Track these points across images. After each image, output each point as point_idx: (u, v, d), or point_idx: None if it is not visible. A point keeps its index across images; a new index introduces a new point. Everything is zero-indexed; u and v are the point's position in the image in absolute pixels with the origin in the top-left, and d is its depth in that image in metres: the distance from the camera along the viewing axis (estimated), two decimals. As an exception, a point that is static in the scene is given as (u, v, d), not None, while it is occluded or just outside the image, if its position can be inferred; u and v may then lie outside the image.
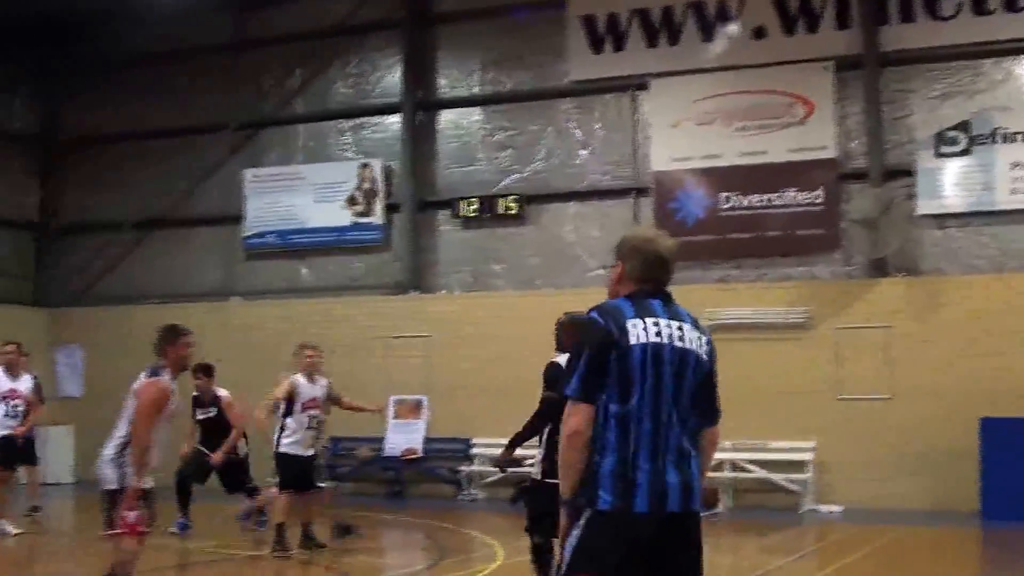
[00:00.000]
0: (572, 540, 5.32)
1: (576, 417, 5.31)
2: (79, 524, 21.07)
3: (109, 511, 9.92)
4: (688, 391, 5.43)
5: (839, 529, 18.73)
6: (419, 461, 24.55)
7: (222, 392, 17.48)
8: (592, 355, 5.32)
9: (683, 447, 5.40)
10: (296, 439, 15.12)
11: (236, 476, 17.39)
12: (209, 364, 17.49)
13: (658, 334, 5.38)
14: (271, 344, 25.45)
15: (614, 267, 5.71)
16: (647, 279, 5.59)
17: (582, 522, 5.30)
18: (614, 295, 5.63)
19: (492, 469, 22.79)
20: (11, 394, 17.46)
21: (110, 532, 9.96)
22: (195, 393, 17.31)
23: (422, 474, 24.85)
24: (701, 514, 5.50)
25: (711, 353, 5.57)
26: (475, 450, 24.11)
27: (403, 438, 24.66)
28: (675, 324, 5.47)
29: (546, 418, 10.07)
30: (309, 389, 15.29)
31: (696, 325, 5.58)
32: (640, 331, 5.35)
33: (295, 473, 15.02)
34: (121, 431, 10.08)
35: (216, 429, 17.19)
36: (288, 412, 15.13)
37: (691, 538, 5.42)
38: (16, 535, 16.52)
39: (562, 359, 10.14)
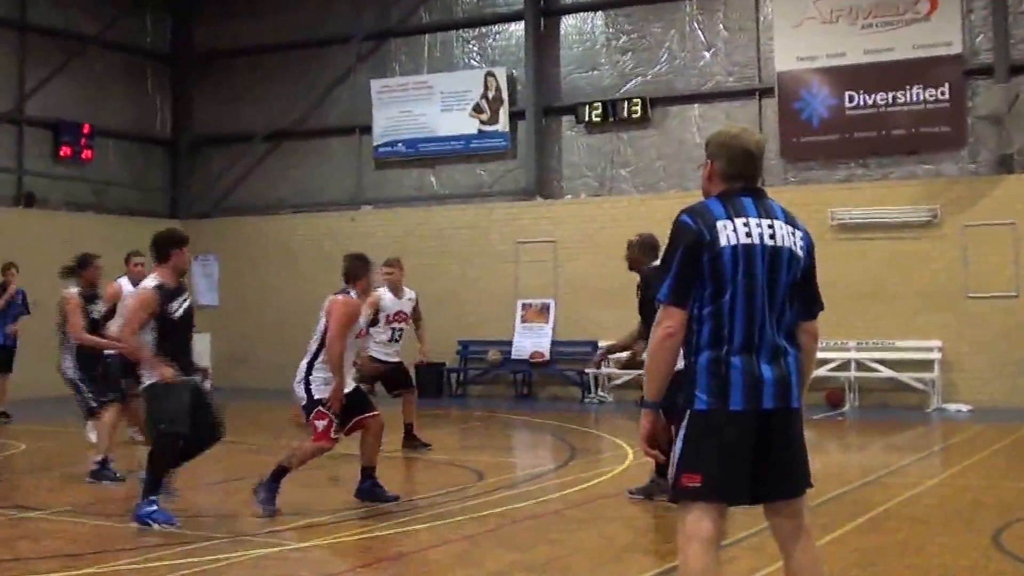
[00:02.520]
0: (679, 441, 5.36)
1: (668, 321, 5.32)
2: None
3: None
4: (783, 288, 5.39)
5: (967, 428, 18.75)
6: (546, 364, 24.98)
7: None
8: (683, 258, 5.32)
9: (778, 344, 5.38)
10: (380, 347, 15.73)
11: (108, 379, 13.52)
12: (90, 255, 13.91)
13: (748, 234, 5.33)
14: (402, 251, 25.94)
15: (705, 166, 5.66)
16: (736, 176, 5.52)
17: (684, 424, 5.34)
18: (707, 194, 5.58)
19: (620, 371, 23.19)
20: None
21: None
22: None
23: (550, 377, 25.33)
24: (802, 410, 5.49)
25: (808, 248, 5.54)
26: (602, 353, 24.41)
27: (530, 342, 25.14)
28: (766, 222, 5.41)
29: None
30: (394, 303, 15.85)
31: (791, 221, 5.52)
32: (730, 232, 5.32)
33: (379, 377, 15.73)
34: (312, 349, 11.13)
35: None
36: (374, 323, 15.59)
37: (792, 434, 5.41)
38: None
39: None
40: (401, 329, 15.92)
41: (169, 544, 9.33)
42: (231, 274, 28.94)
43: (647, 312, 11.06)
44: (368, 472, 11.58)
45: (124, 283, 14.46)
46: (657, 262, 11.10)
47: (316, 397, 10.94)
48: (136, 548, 9.26)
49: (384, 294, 15.76)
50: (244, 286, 28.70)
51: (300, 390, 11.09)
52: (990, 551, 8.98)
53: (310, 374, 11.04)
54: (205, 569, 8.45)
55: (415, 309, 16.15)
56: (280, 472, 10.91)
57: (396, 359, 15.98)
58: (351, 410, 11.17)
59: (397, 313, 15.85)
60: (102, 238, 25.45)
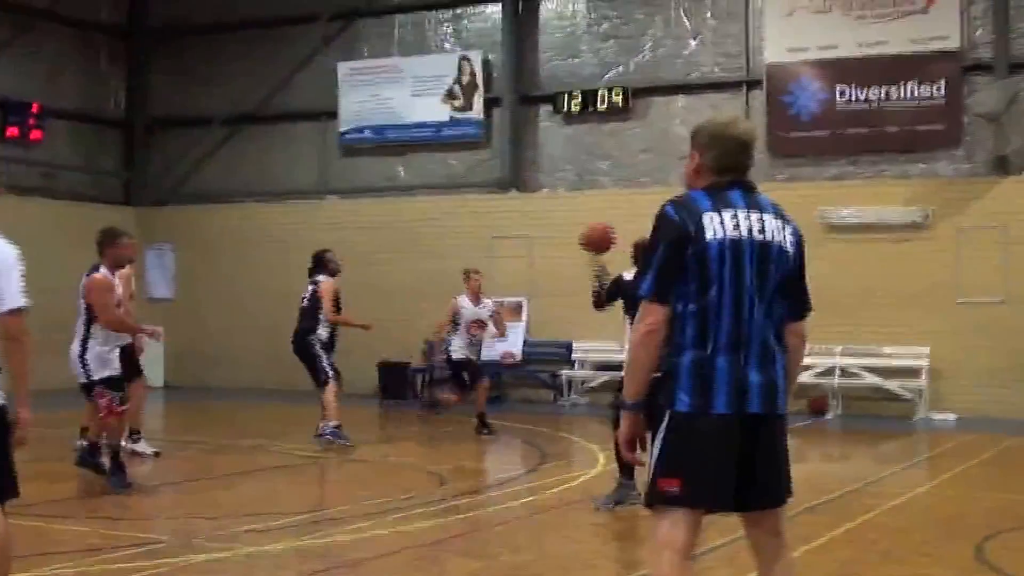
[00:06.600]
0: (657, 443, 5.31)
1: (650, 317, 5.29)
2: (182, 427, 21.75)
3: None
4: (772, 285, 5.36)
5: (953, 437, 18.97)
6: (518, 365, 25.02)
7: None
8: (666, 252, 5.31)
9: (767, 345, 5.35)
10: (458, 346, 18.43)
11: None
12: None
13: (736, 227, 5.31)
14: (369, 244, 26.00)
15: (690, 157, 5.62)
16: (728, 168, 5.47)
17: (664, 425, 5.30)
18: (691, 187, 5.55)
19: (594, 374, 23.27)
20: None
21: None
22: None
23: (521, 378, 25.39)
24: (788, 416, 5.50)
25: (797, 244, 5.51)
26: (576, 354, 24.57)
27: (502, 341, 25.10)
28: (755, 216, 5.38)
29: None
30: (472, 311, 18.42)
31: (780, 215, 5.49)
32: (717, 225, 5.29)
33: (459, 373, 18.52)
34: (80, 330, 12.34)
35: None
36: (454, 328, 18.47)
37: (777, 441, 5.40)
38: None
39: (628, 275, 11.26)
40: (477, 336, 18.57)
41: (116, 547, 9.37)
42: (187, 265, 28.86)
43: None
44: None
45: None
46: None
47: (95, 377, 12.06)
48: (81, 551, 9.30)
49: (462, 302, 18.49)
50: (201, 278, 28.65)
51: (78, 369, 12.18)
52: (973, 563, 9.13)
53: (84, 354, 12.12)
54: (152, 574, 8.50)
55: (492, 317, 18.64)
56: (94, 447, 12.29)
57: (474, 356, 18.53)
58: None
59: (475, 321, 18.46)
60: (51, 224, 25.45)
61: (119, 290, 12.67)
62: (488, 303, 18.72)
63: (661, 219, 5.41)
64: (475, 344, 18.61)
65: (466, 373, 18.51)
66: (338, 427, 16.23)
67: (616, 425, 10.91)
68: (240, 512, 10.86)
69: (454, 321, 18.43)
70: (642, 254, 11.33)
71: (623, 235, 12.04)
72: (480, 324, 18.48)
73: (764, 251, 5.36)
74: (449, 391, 19.08)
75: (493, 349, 25.08)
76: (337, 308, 16.77)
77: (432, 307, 25.78)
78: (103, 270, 12.42)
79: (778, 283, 5.43)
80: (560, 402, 24.45)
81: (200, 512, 11.03)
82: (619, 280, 11.89)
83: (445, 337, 18.83)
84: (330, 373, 16.57)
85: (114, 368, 12.29)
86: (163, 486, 12.50)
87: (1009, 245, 21.43)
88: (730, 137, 5.51)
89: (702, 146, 5.55)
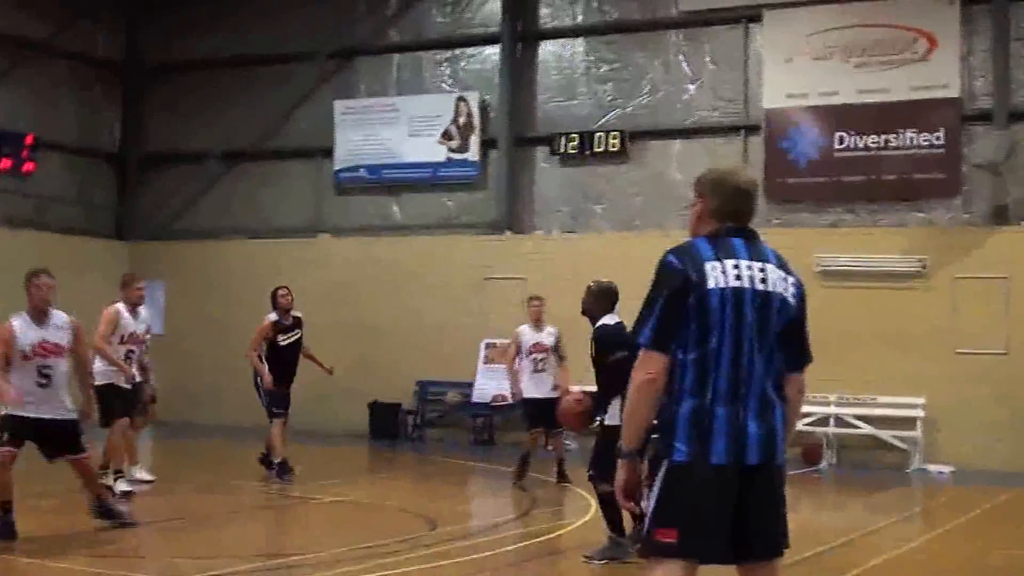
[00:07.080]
0: (653, 494, 5.31)
1: (650, 365, 5.28)
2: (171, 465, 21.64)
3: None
4: (772, 336, 5.38)
5: (948, 490, 18.95)
6: (509, 408, 24.91)
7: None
8: (668, 300, 5.29)
9: (767, 395, 5.36)
10: (528, 383, 17.59)
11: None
12: None
13: (739, 277, 5.32)
14: (361, 283, 25.96)
15: (693, 205, 5.69)
16: (729, 216, 5.52)
17: (660, 475, 5.29)
18: (695, 234, 5.56)
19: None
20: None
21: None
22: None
23: (512, 422, 25.24)
24: (786, 467, 5.50)
25: (799, 296, 5.51)
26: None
27: (493, 384, 25.04)
28: (758, 265, 5.40)
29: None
30: (532, 336, 17.70)
31: (783, 266, 5.51)
32: (719, 274, 5.30)
33: (533, 414, 17.55)
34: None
35: None
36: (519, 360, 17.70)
37: (775, 492, 5.40)
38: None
39: (608, 319, 11.14)
40: (544, 359, 17.63)
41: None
42: (178, 302, 28.77)
43: (596, 368, 11.22)
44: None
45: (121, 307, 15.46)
46: (610, 316, 11.31)
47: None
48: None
49: (522, 329, 17.84)
50: (191, 315, 28.56)
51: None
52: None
53: None
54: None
55: (555, 346, 17.69)
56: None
57: (551, 394, 17.09)
58: None
59: (534, 344, 17.65)
60: (41, 257, 25.31)
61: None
62: (551, 330, 17.84)
63: (663, 267, 5.41)
64: (539, 374, 17.60)
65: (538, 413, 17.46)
66: (282, 462, 16.75)
67: (593, 469, 10.94)
68: (225, 554, 10.78)
69: (518, 352, 17.74)
70: (592, 301, 11.41)
71: (616, 278, 12.03)
72: (541, 347, 17.65)
73: (766, 301, 5.38)
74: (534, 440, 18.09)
75: (486, 393, 25.09)
76: (272, 345, 17.18)
77: (423, 348, 25.81)
78: None
79: (779, 333, 5.44)
80: (551, 447, 24.29)
81: (185, 553, 10.94)
82: (606, 329, 11.57)
83: (516, 372, 17.76)
84: (268, 413, 17.03)
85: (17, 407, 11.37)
86: (148, 525, 12.39)
87: (1008, 296, 21.42)
88: (731, 185, 5.59)
89: (704, 194, 5.63)
